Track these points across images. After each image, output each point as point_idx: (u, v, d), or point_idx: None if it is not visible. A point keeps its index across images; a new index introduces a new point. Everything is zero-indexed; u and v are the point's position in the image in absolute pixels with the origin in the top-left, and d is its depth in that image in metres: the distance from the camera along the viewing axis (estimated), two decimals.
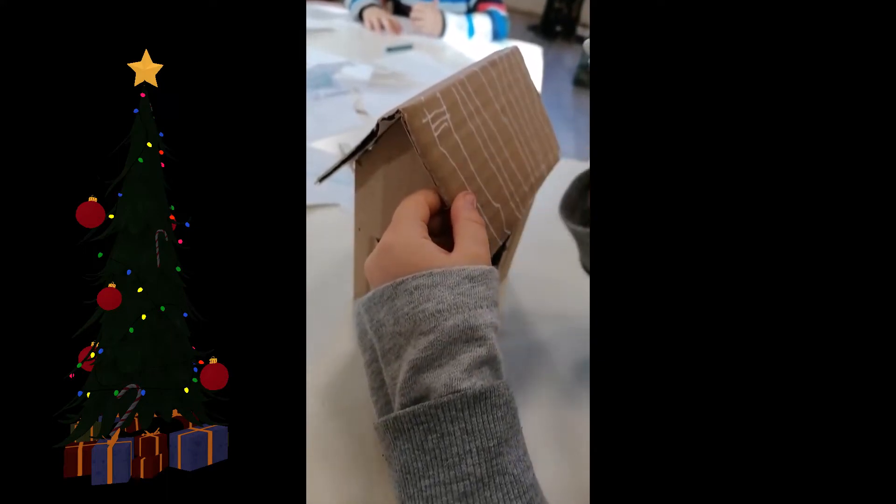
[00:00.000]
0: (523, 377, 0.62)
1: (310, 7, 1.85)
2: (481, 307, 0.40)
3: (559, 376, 0.62)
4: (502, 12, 1.92)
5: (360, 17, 1.87)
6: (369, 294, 0.43)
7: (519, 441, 0.38)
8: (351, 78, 1.34)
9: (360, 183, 0.58)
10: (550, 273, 0.66)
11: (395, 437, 0.38)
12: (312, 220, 0.87)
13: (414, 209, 0.44)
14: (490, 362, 0.39)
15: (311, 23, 1.68)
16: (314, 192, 0.92)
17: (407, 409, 0.38)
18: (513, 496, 0.35)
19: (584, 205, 0.57)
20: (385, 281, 0.42)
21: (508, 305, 0.72)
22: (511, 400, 0.39)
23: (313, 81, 1.28)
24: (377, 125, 0.48)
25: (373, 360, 0.45)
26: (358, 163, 0.56)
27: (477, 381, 0.38)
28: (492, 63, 0.57)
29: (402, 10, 1.98)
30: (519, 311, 0.71)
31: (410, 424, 0.37)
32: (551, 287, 0.73)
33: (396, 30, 1.82)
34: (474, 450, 0.36)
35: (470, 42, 1.84)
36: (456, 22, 1.85)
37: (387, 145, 0.52)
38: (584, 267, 0.59)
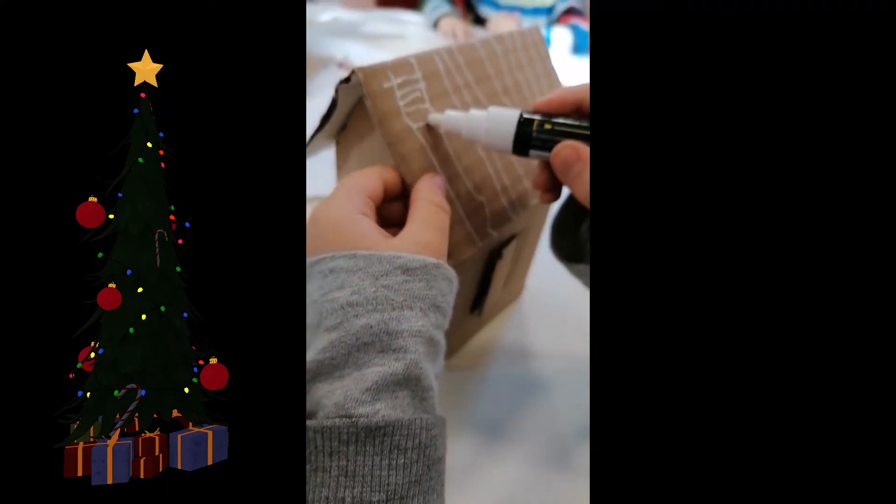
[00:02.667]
0: (512, 423, 0.51)
1: (384, 13, 1.83)
2: (411, 308, 0.31)
3: (555, 426, 0.51)
4: (584, 27, 1.90)
5: (436, 25, 1.86)
6: None
7: (426, 502, 0.28)
8: None
9: (339, 165, 0.51)
10: (570, 300, 0.56)
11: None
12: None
13: (360, 181, 0.36)
14: (410, 384, 0.30)
15: (384, 28, 1.66)
16: (325, 185, 0.90)
17: None
18: None
19: (576, 229, 0.47)
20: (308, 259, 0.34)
21: (513, 333, 0.62)
22: (430, 446, 0.29)
23: None
24: (336, 91, 0.41)
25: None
26: (337, 142, 0.50)
27: (381, 409, 0.28)
28: (499, 38, 0.51)
29: (482, 22, 1.95)
30: (525, 341, 0.61)
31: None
32: (569, 314, 0.62)
33: (468, 37, 1.81)
34: (349, 499, 0.27)
35: None
36: None
37: (358, 121, 0.45)
38: None
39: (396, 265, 0.32)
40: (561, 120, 0.38)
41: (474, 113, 0.40)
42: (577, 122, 0.38)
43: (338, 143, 0.50)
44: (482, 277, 0.52)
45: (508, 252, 0.52)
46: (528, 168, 0.51)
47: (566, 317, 0.61)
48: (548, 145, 0.38)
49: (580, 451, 0.49)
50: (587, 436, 0.50)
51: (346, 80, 0.39)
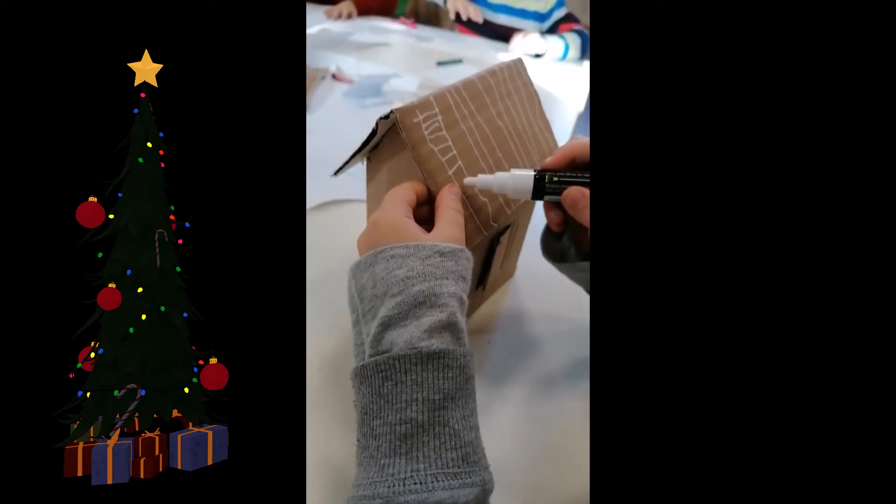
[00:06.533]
0: (514, 368, 0.65)
1: (368, 22, 1.92)
2: (447, 279, 0.45)
3: (549, 374, 0.65)
4: (586, 32, 1.90)
5: (445, 2, 1.91)
6: (357, 261, 0.49)
7: (467, 403, 0.43)
8: (398, 89, 1.42)
9: (370, 178, 0.65)
10: (555, 275, 0.67)
11: (360, 383, 0.43)
12: (337, 215, 0.86)
13: (401, 193, 0.51)
14: (451, 328, 0.44)
15: (368, 37, 1.77)
16: (341, 189, 0.91)
17: (371, 359, 0.43)
18: (448, 447, 0.40)
19: (560, 239, 0.59)
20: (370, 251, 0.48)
21: (510, 303, 0.75)
22: (466, 367, 0.43)
23: (363, 91, 1.37)
24: (376, 124, 0.54)
25: (356, 322, 0.48)
26: (368, 159, 0.63)
27: (435, 343, 0.42)
28: (491, 73, 0.64)
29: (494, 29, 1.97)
30: (519, 309, 0.74)
31: (373, 372, 0.42)
32: (553, 289, 0.75)
33: (477, 17, 1.85)
34: (420, 399, 0.41)
35: (561, 62, 1.83)
36: (548, 42, 1.84)
37: (389, 143, 0.58)
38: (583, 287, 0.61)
39: (435, 251, 0.46)
40: (562, 173, 0.52)
41: (500, 175, 0.53)
42: (574, 174, 0.52)
43: (369, 160, 0.63)
44: (485, 259, 0.64)
45: (504, 239, 0.66)
46: None
47: (553, 289, 0.74)
48: (557, 191, 0.52)
49: (568, 393, 0.62)
50: (573, 381, 0.63)
51: (386, 117, 0.52)
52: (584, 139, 0.54)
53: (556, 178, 0.52)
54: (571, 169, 0.53)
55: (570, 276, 0.60)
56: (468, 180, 0.54)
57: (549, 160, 0.54)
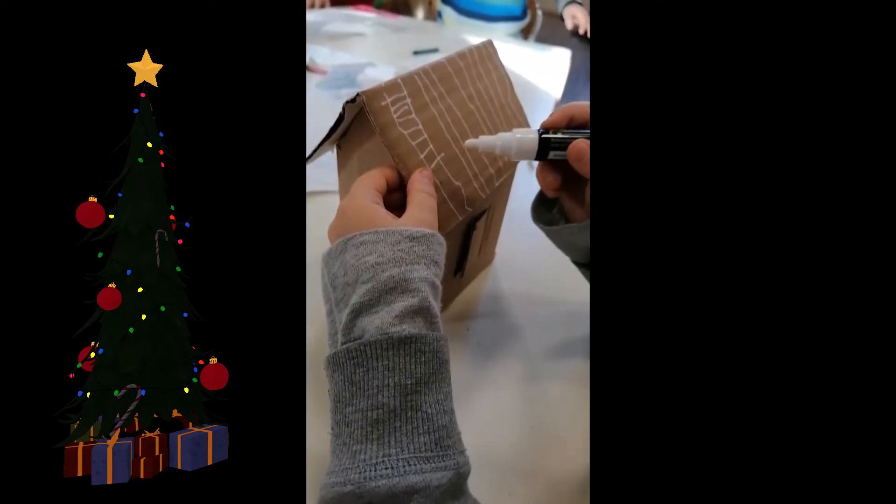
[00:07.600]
0: (493, 354, 0.66)
1: (341, 11, 1.87)
2: (418, 263, 0.45)
3: (531, 359, 0.66)
4: None
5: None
6: (327, 249, 0.48)
7: (441, 387, 0.42)
8: (373, 79, 1.37)
9: (341, 166, 0.63)
10: (534, 260, 0.71)
11: (333, 371, 0.43)
12: (320, 206, 0.88)
13: (369, 180, 0.50)
14: (423, 313, 0.43)
15: (341, 26, 1.72)
16: (324, 180, 0.92)
17: (343, 346, 0.42)
18: (421, 431, 0.40)
19: (551, 209, 0.60)
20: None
21: (490, 288, 0.77)
22: (440, 351, 0.43)
23: (337, 82, 1.32)
24: (343, 108, 0.52)
25: (330, 311, 0.48)
26: (339, 147, 0.61)
27: (406, 328, 0.41)
28: (461, 55, 0.63)
29: None
30: (499, 294, 0.76)
31: (345, 359, 0.42)
32: (533, 274, 0.78)
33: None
34: (392, 384, 0.40)
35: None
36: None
37: (359, 130, 0.57)
38: (575, 262, 0.61)
39: (406, 235, 0.45)
40: (564, 130, 0.52)
41: (503, 135, 0.52)
42: (575, 131, 0.52)
43: (339, 148, 0.61)
44: (462, 245, 0.64)
45: (481, 224, 0.66)
46: (491, 159, 0.62)
47: (533, 274, 0.77)
48: (562, 147, 0.52)
49: (547, 372, 0.64)
50: (555, 364, 0.65)
51: (352, 101, 0.50)
52: (582, 102, 0.54)
53: (560, 135, 0.51)
54: (570, 129, 0.53)
55: (556, 240, 0.59)
56: (469, 142, 0.53)
57: (547, 119, 0.53)
